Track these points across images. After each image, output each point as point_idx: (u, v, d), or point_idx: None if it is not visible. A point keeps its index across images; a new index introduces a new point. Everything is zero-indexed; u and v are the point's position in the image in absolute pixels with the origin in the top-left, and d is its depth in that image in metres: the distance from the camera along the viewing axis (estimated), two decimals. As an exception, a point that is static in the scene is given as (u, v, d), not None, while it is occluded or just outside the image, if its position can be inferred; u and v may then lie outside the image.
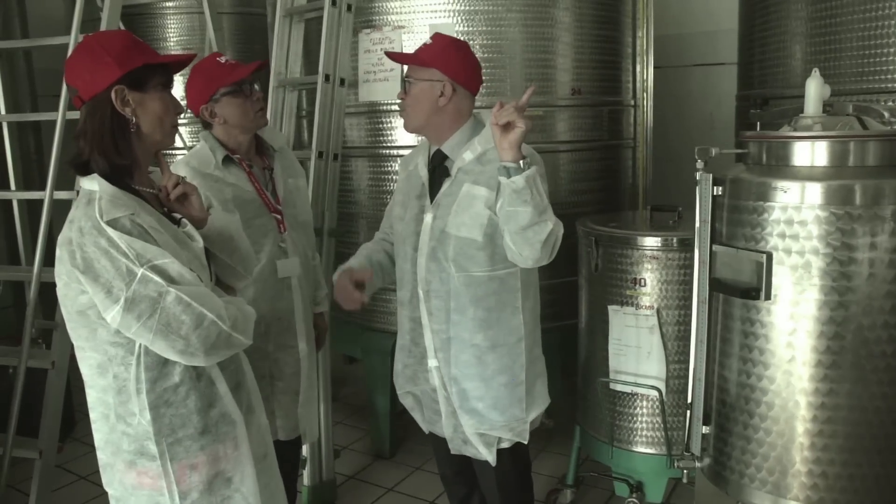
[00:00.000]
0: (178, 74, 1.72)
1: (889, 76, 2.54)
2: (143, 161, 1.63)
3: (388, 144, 3.42)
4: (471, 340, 2.20)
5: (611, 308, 2.74)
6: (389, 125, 3.40)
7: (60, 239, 1.52)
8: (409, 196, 2.30)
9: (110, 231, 1.46)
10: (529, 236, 1.99)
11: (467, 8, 3.22)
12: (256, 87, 2.38)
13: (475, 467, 2.38)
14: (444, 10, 3.22)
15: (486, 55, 3.19)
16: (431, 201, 2.22)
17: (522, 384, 2.25)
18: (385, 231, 2.47)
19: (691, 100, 4.57)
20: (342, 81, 3.19)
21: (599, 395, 2.84)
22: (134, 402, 1.57)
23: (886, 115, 2.06)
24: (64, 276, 1.51)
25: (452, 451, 2.33)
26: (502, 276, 2.18)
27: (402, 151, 3.39)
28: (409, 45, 3.21)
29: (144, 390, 1.56)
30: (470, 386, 2.22)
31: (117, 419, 1.59)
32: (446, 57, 2.15)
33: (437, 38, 2.21)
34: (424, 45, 2.21)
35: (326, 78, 3.14)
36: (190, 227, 1.65)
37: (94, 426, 1.65)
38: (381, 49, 3.27)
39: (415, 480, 3.45)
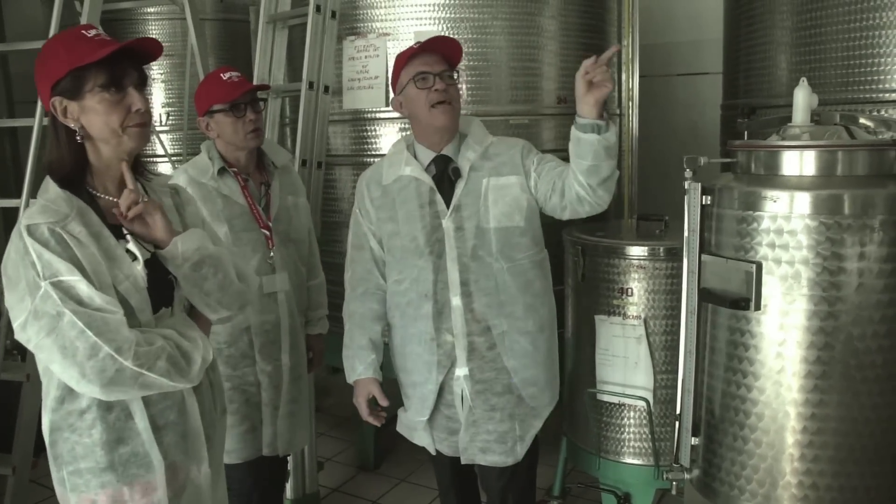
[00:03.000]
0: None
1: (873, 86, 2.54)
2: (100, 167, 1.53)
3: (373, 153, 3.38)
4: (525, 328, 2.25)
5: (598, 318, 2.72)
6: (374, 133, 3.37)
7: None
8: (408, 207, 2.23)
9: (26, 238, 1.39)
10: (609, 185, 2.06)
11: (453, 16, 3.20)
12: (261, 104, 2.44)
13: (486, 478, 2.37)
14: (430, 18, 3.20)
15: (471, 63, 3.17)
16: (448, 205, 2.20)
17: (556, 360, 2.40)
18: (370, 276, 2.31)
19: (675, 109, 4.59)
20: (326, 89, 3.16)
21: (587, 406, 2.81)
22: (45, 419, 1.49)
23: (871, 124, 2.06)
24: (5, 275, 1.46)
25: (464, 461, 2.31)
26: (540, 259, 2.30)
27: (386, 159, 3.36)
28: (394, 53, 3.18)
29: (50, 409, 1.47)
30: (529, 374, 2.27)
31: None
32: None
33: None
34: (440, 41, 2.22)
35: (310, 85, 3.11)
36: (133, 244, 1.51)
37: None
38: (366, 56, 3.24)
39: (399, 493, 3.41)
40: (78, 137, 1.47)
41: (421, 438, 2.39)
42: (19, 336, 1.40)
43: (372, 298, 2.31)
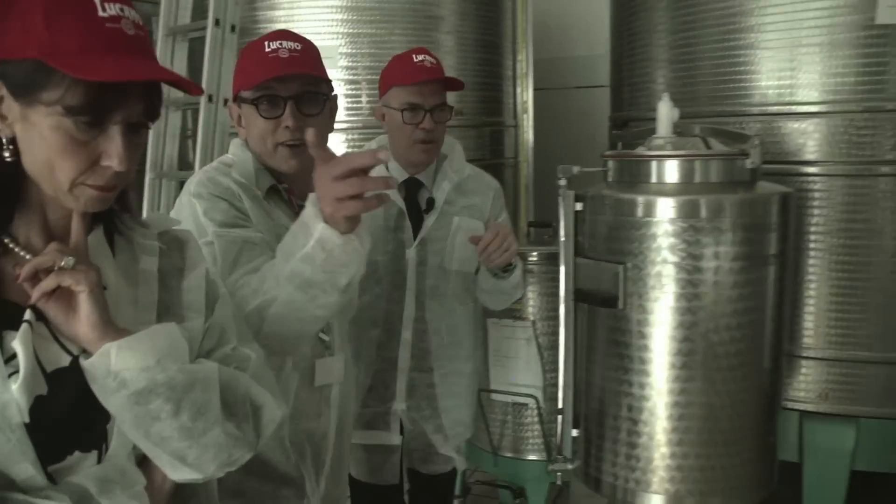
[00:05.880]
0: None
1: (738, 101, 2.75)
2: (31, 203, 0.94)
3: (275, 164, 3.42)
4: (464, 370, 2.29)
5: (489, 321, 2.83)
6: (276, 145, 3.40)
7: None
8: (376, 227, 2.02)
9: None
10: (510, 302, 2.32)
11: (352, 31, 3.27)
12: (319, 104, 1.53)
13: (436, 486, 2.46)
14: (330, 33, 3.26)
15: (371, 77, 3.25)
16: (416, 236, 2.11)
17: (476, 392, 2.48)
18: None
19: (573, 120, 4.78)
20: (225, 102, 3.18)
21: (483, 406, 2.91)
22: None
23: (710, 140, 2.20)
24: None
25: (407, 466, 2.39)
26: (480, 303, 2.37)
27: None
28: (294, 66, 3.23)
29: None
30: (459, 415, 2.32)
31: None
32: None
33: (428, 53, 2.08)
34: (434, 64, 2.04)
35: (210, 98, 3.13)
36: (20, 342, 0.88)
37: None
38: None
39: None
40: (6, 152, 0.89)
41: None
42: None
43: None
